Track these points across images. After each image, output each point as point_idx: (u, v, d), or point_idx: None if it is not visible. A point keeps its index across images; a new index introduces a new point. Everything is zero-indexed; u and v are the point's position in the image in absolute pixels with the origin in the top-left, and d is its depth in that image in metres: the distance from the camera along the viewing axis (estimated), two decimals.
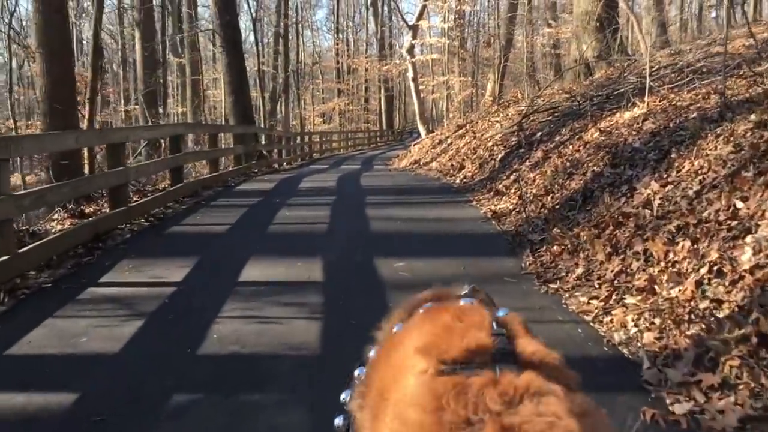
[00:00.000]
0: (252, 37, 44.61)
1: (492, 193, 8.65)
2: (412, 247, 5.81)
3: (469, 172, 11.21)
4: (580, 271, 4.68)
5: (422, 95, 24.99)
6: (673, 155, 5.40)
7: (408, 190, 10.40)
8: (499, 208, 7.58)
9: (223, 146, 16.16)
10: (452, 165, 12.72)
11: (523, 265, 5.16)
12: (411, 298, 1.11)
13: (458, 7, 23.08)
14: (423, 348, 0.83)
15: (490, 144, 11.69)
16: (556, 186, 6.99)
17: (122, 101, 35.63)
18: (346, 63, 47.57)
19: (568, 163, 7.39)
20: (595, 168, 6.54)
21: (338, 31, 55.70)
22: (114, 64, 44.74)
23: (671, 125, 6.32)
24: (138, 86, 31.05)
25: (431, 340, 0.84)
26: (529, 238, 5.90)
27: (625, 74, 11.05)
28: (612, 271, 4.43)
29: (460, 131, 17.94)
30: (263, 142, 18.61)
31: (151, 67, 31.94)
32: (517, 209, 7.21)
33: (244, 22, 46.72)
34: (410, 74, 22.53)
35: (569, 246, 5.13)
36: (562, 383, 0.75)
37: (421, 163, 17.42)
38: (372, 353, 1.07)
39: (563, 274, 4.80)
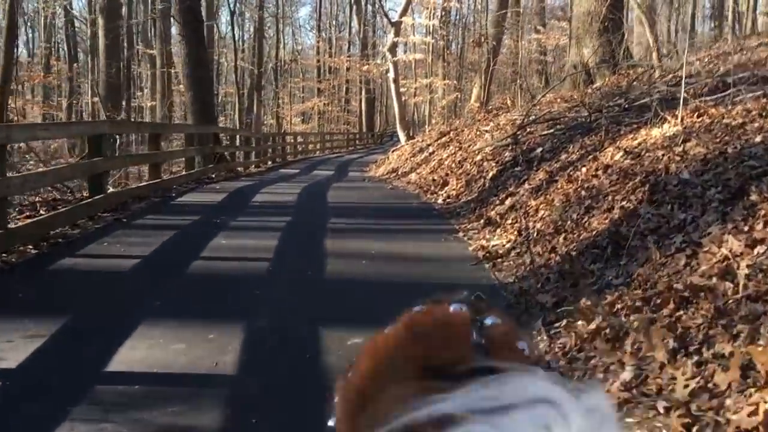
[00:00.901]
0: (229, 32, 42.83)
1: (483, 222, 7.01)
2: (380, 308, 4.14)
3: (454, 189, 9.58)
4: (627, 376, 3.04)
5: (403, 98, 23.32)
6: (753, 196, 3.80)
7: (381, 210, 8.74)
8: (493, 246, 5.94)
9: (176, 147, 14.33)
10: (434, 180, 11.08)
11: (535, 349, 3.52)
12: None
13: (444, 3, 21.49)
14: (406, 355, 0.77)
15: (478, 158, 10.07)
16: (569, 223, 5.37)
17: (89, 93, 33.43)
18: (326, 62, 45.77)
19: (583, 192, 5.78)
20: (625, 203, 4.92)
21: (320, 29, 53.99)
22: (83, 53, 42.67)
23: (730, 151, 4.73)
24: (101, 77, 29.08)
25: (413, 348, 0.78)
26: (539, 300, 4.27)
27: (637, 82, 9.51)
28: (684, 384, 2.81)
29: (444, 139, 16.32)
30: (226, 143, 16.85)
31: (116, 56, 29.99)
32: (518, 249, 5.58)
33: (225, 16, 44.91)
34: (391, 75, 20.88)
35: (604, 327, 3.49)
36: None
37: (400, 173, 15.76)
38: (357, 360, 0.91)
39: (599, 374, 3.18)
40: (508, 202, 7.20)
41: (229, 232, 6.60)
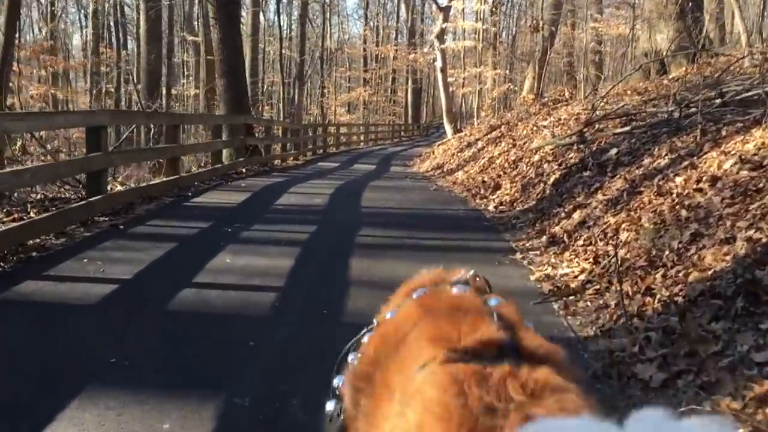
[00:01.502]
0: (276, 20, 42.07)
1: (545, 240, 5.74)
2: None
3: (507, 195, 8.29)
4: None
5: (451, 89, 21.95)
6: None
7: (421, 219, 7.52)
8: (562, 276, 4.68)
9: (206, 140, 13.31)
10: (484, 181, 9.80)
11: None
12: (405, 283, 1.11)
13: None
14: (433, 337, 0.83)
15: (536, 158, 8.75)
16: (667, 253, 4.07)
17: (133, 80, 32.96)
18: (372, 51, 44.53)
19: (683, 211, 4.46)
20: (754, 233, 3.60)
21: (367, 18, 52.79)
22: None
23: None
24: (141, 64, 28.53)
25: (440, 329, 0.84)
26: (638, 373, 3.02)
27: (726, 73, 8.06)
28: None
29: (494, 134, 14.98)
30: (261, 136, 15.85)
31: (157, 42, 29.38)
32: (596, 283, 4.31)
33: (272, 4, 44.03)
34: (438, 63, 19.55)
35: None
36: (572, 380, 0.76)
37: (445, 170, 14.50)
38: (366, 339, 1.05)
39: None
40: (576, 215, 5.90)
41: (238, 247, 5.49)
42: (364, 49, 47.66)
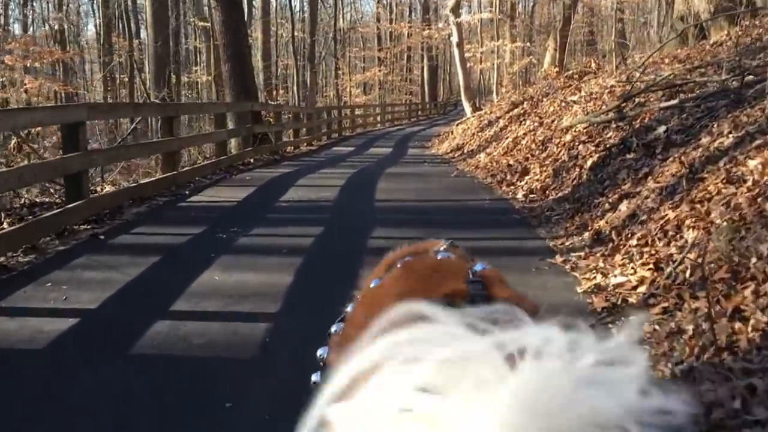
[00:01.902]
0: (287, 1, 41.18)
1: (588, 236, 4.90)
2: None
3: (538, 180, 7.43)
4: None
5: (468, 65, 20.89)
6: None
7: (442, 213, 6.69)
8: (616, 288, 3.84)
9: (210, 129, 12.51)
10: (510, 165, 8.94)
11: None
12: (390, 254, 1.13)
13: None
14: (401, 295, 0.84)
15: (568, 138, 7.85)
16: (754, 260, 3.22)
17: (137, 69, 32.04)
18: (386, 29, 43.35)
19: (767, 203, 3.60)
20: None
21: None
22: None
23: None
24: (149, 51, 27.83)
25: (409, 288, 0.88)
26: None
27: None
28: None
29: (516, 111, 14.04)
30: (270, 122, 15.08)
31: (164, 27, 28.70)
32: (661, 298, 3.48)
33: None
34: (454, 38, 18.55)
35: None
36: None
37: (466, 152, 13.63)
38: (349, 308, 1.08)
39: None
40: (624, 207, 5.04)
41: (230, 259, 4.73)
42: (378, 28, 46.50)
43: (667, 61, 9.28)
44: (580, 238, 5.03)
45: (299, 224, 5.97)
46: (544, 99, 12.49)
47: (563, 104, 9.94)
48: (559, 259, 4.63)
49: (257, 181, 8.91)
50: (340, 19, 45.35)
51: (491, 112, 16.99)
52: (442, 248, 1.09)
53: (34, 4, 41.06)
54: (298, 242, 5.24)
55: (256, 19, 39.75)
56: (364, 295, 1.07)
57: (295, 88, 36.17)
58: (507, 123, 13.43)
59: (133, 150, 7.46)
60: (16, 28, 42.78)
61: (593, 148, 6.79)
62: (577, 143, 7.41)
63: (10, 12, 40.63)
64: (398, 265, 1.04)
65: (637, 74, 8.22)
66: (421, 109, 44.54)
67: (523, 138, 9.97)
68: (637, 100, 7.19)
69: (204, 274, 4.35)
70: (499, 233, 5.55)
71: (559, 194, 6.54)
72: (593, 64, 14.45)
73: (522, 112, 13.40)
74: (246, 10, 43.97)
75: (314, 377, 1.07)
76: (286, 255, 4.86)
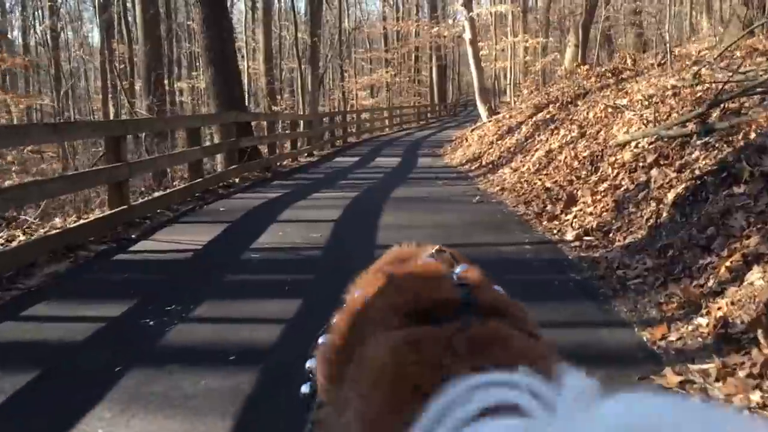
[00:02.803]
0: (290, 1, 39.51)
1: (709, 327, 3.11)
2: None
3: (592, 215, 5.61)
4: None
5: (482, 64, 19.06)
6: None
7: None
8: None
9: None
10: (547, 188, 7.13)
11: None
12: (375, 261, 1.13)
13: None
14: (389, 305, 0.85)
15: (628, 157, 6.02)
16: None
17: (120, 77, 29.90)
18: (393, 29, 41.54)
19: None
20: None
21: None
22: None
23: None
24: (140, 57, 26.13)
25: (396, 297, 0.87)
26: None
27: None
28: None
29: (541, 115, 12.24)
30: (261, 134, 13.38)
31: (154, 31, 27.13)
32: None
33: None
34: (467, 35, 16.73)
35: None
36: (525, 331, 0.79)
37: (485, 164, 11.86)
38: (336, 319, 1.04)
39: None
40: (757, 277, 3.25)
41: (144, 377, 2.97)
42: (384, 28, 44.73)
43: (738, 54, 7.45)
44: (691, 327, 3.23)
45: (267, 295, 4.19)
46: (578, 102, 10.67)
47: (609, 108, 8.11)
48: (671, 374, 2.83)
49: (231, 214, 7.15)
50: (345, 20, 43.68)
51: (510, 117, 15.18)
52: (427, 253, 1.08)
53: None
54: (260, 336, 3.46)
55: (257, 20, 38.16)
56: (348, 305, 1.03)
57: (300, 92, 34.52)
58: (532, 130, 11.62)
59: (55, 186, 5.64)
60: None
61: (674, 175, 4.96)
62: (643, 165, 5.59)
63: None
64: (382, 273, 1.02)
65: (716, 72, 6.39)
66: (430, 111, 42.75)
67: (560, 152, 8.17)
68: (724, 105, 5.37)
69: (82, 423, 2.58)
70: (555, 312, 3.72)
71: (630, 239, 4.73)
72: (628, 60, 12.62)
73: (549, 117, 11.59)
74: (245, 9, 42.07)
75: (303, 389, 1.09)
76: (234, 364, 3.08)
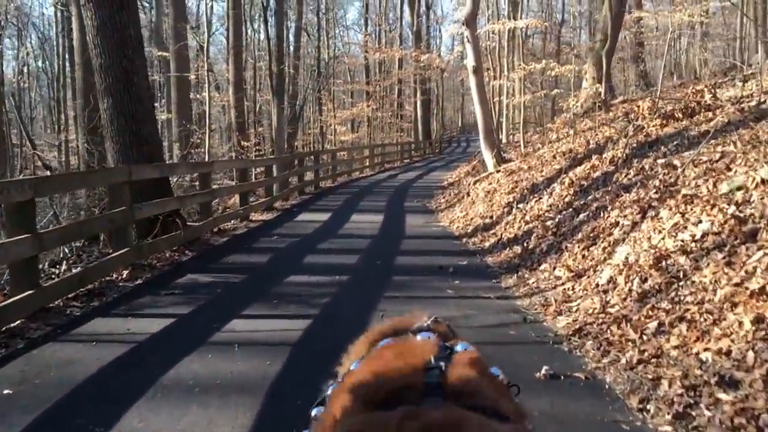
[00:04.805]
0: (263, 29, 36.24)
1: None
2: None
3: None
4: None
5: (488, 98, 15.37)
6: None
7: None
8: None
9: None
10: (700, 359, 3.38)
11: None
12: (370, 332, 1.12)
13: None
14: (353, 388, 0.86)
15: None
16: None
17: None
18: (376, 57, 38.00)
19: None
20: None
21: (367, 23, 46.71)
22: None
23: None
24: (78, 85, 22.23)
25: (363, 381, 0.86)
26: None
27: None
28: None
29: (584, 170, 8.63)
30: (194, 190, 9.58)
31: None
32: None
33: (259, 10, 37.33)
34: (470, 61, 13.09)
35: None
36: (494, 414, 0.75)
37: (504, 240, 8.15)
38: (329, 391, 1.04)
39: None
40: None
41: None
42: (366, 58, 41.38)
43: None
44: None
45: None
46: (649, 153, 7.01)
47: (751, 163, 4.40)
48: None
49: (39, 395, 3.29)
50: (325, 50, 40.29)
51: (529, 168, 11.51)
52: (424, 325, 1.05)
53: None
54: None
55: (224, 47, 34.58)
56: (344, 378, 1.00)
57: (275, 130, 30.72)
58: (573, 194, 7.95)
59: None
60: None
61: None
62: None
63: None
64: (378, 347, 1.01)
65: None
66: (414, 149, 39.21)
67: (679, 252, 4.41)
68: None
69: None
70: None
71: None
72: (706, 94, 9.03)
73: (600, 174, 7.95)
74: (216, 38, 38.56)
75: None
76: None
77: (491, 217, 10.07)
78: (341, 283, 6.36)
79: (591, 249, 5.81)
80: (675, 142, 7.41)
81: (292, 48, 34.28)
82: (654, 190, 5.79)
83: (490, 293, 5.74)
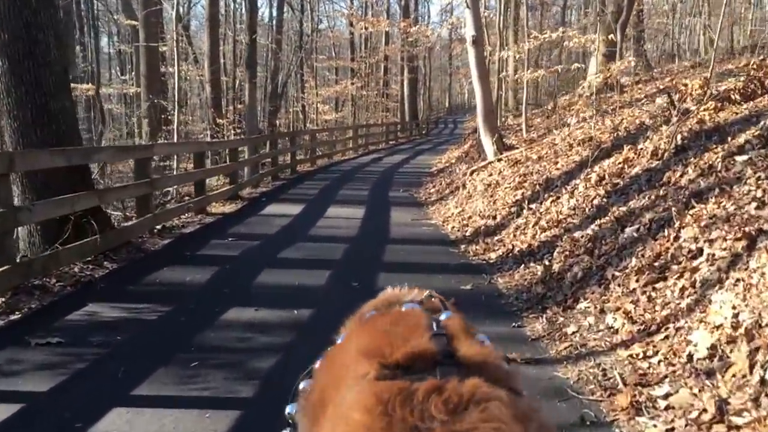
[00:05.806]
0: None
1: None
2: None
3: None
4: None
5: (488, 75, 13.40)
6: None
7: None
8: None
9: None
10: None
11: None
12: (359, 308, 1.09)
13: None
14: (364, 352, 0.81)
15: None
16: None
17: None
18: (362, 30, 35.75)
19: None
20: None
21: None
22: None
23: None
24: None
25: (372, 345, 0.83)
26: None
27: None
28: None
29: (614, 164, 6.85)
30: (127, 181, 7.66)
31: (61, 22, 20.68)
32: None
33: None
34: (469, 32, 11.17)
35: None
36: (506, 386, 0.74)
37: (514, 252, 6.36)
38: (317, 365, 1.04)
39: None
40: None
41: None
42: (351, 32, 39.17)
43: None
44: None
45: None
46: (714, 149, 5.22)
47: None
48: None
49: None
50: (308, 22, 37.98)
51: (539, 158, 9.67)
52: (409, 299, 1.03)
53: None
54: None
55: (201, 15, 32.24)
56: (329, 352, 1.01)
57: (262, 111, 28.54)
58: (606, 195, 6.16)
59: None
60: None
61: None
62: None
63: None
64: (364, 320, 0.98)
65: None
66: (400, 130, 37.27)
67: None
68: None
69: None
70: None
71: None
72: (762, 70, 7.24)
73: (641, 170, 6.17)
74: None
75: None
76: None
77: (495, 218, 8.26)
78: (299, 324, 4.51)
79: (659, 286, 4.01)
80: (745, 133, 5.62)
81: (274, 22, 32.12)
82: (754, 203, 3.98)
83: (512, 349, 3.92)
